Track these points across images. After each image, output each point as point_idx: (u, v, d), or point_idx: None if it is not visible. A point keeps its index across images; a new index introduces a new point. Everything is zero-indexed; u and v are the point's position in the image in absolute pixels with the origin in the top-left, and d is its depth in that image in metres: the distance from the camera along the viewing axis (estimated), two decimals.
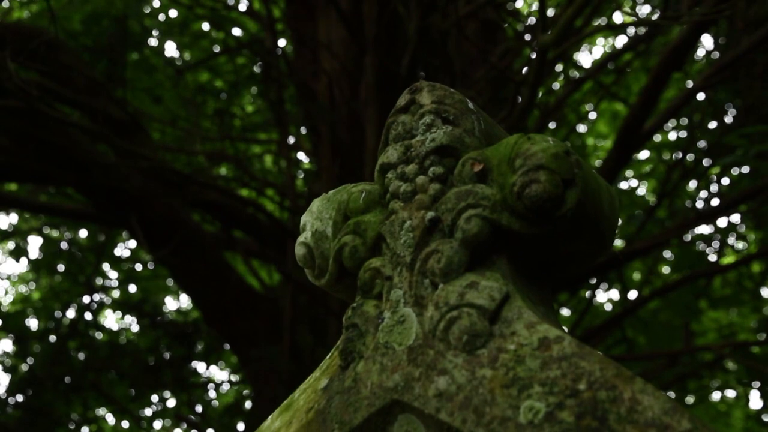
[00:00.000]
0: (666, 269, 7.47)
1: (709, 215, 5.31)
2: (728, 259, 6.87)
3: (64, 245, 8.97)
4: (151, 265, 9.16)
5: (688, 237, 6.13)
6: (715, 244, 6.49)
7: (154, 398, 9.03)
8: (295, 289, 6.07)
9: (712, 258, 6.46)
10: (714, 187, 6.44)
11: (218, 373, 10.16)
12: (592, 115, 7.73)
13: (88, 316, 8.73)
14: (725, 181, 6.50)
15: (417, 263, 1.18)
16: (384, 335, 1.16)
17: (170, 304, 10.82)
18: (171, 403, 9.33)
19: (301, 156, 7.73)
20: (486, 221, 1.15)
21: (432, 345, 1.12)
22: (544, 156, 1.13)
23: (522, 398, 1.02)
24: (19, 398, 7.67)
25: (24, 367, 8.27)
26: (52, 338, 8.25)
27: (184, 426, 8.58)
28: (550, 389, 1.01)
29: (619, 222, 1.24)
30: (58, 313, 8.78)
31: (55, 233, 9.47)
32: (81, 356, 8.25)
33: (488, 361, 1.07)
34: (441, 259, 1.16)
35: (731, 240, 6.79)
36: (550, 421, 0.99)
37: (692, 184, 6.79)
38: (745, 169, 5.89)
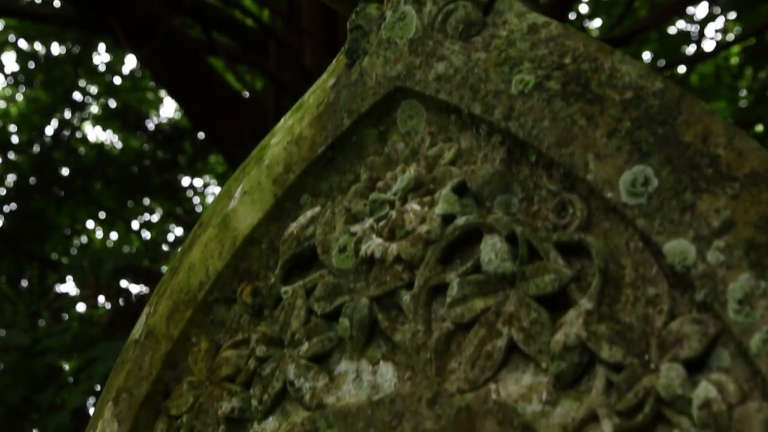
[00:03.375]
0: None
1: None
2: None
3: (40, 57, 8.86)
4: (129, 73, 9.13)
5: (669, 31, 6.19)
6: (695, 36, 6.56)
7: (142, 211, 9.23)
8: (278, 89, 6.12)
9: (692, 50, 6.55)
10: None
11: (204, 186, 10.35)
12: None
13: (70, 131, 8.76)
14: None
15: None
16: (386, 31, 1.26)
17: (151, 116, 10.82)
18: (157, 217, 9.55)
19: None
20: None
21: (431, 36, 1.22)
22: None
23: (513, 74, 1.14)
24: (9, 208, 7.83)
25: (11, 178, 8.37)
26: (36, 149, 8.32)
27: (174, 230, 8.86)
28: (539, 64, 1.13)
29: None
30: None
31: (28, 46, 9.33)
32: (66, 172, 8.36)
33: (482, 45, 1.18)
34: None
35: (711, 31, 6.85)
36: (539, 89, 1.11)
37: None
38: None
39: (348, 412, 1.15)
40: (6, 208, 7.70)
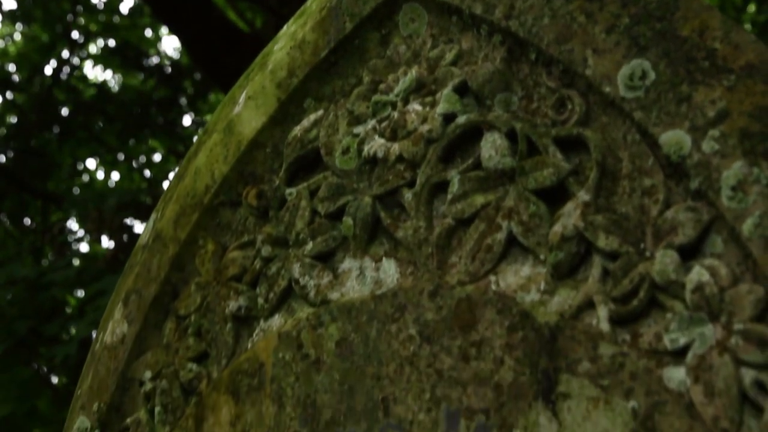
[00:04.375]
0: None
1: None
2: None
3: None
4: (128, 12, 9.04)
5: None
6: None
7: (144, 150, 9.23)
8: (279, 25, 6.08)
9: None
10: None
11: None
12: None
13: (69, 69, 8.71)
14: None
15: None
16: None
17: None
18: (159, 156, 9.56)
19: None
20: None
21: None
22: None
23: None
24: (11, 146, 7.83)
25: (12, 119, 8.36)
26: (36, 88, 8.28)
27: (176, 168, 8.87)
28: None
29: None
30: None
31: None
32: (65, 112, 8.33)
33: None
34: None
35: None
36: None
37: None
38: None
39: (352, 306, 1.18)
40: (7, 147, 7.71)
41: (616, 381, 0.97)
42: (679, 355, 0.94)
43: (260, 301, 1.28)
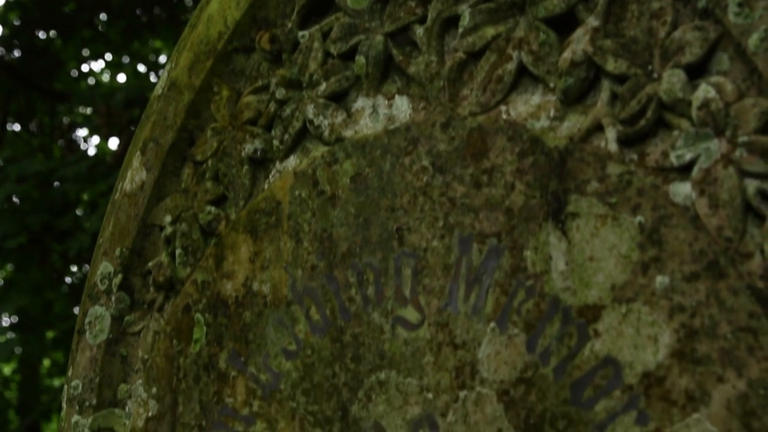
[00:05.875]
0: None
1: None
2: None
3: None
4: None
5: None
6: None
7: (149, 52, 9.15)
8: None
9: None
10: None
11: None
12: None
13: None
14: None
15: None
16: None
17: None
18: (164, 58, 9.48)
19: None
20: None
21: None
22: None
23: None
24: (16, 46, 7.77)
25: (16, 22, 8.26)
26: None
27: None
28: None
29: None
30: None
31: None
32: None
33: None
34: None
35: None
36: None
37: None
38: None
39: (365, 142, 1.21)
40: (12, 46, 7.65)
41: (623, 198, 1.00)
42: (684, 170, 0.97)
43: (275, 143, 1.31)
